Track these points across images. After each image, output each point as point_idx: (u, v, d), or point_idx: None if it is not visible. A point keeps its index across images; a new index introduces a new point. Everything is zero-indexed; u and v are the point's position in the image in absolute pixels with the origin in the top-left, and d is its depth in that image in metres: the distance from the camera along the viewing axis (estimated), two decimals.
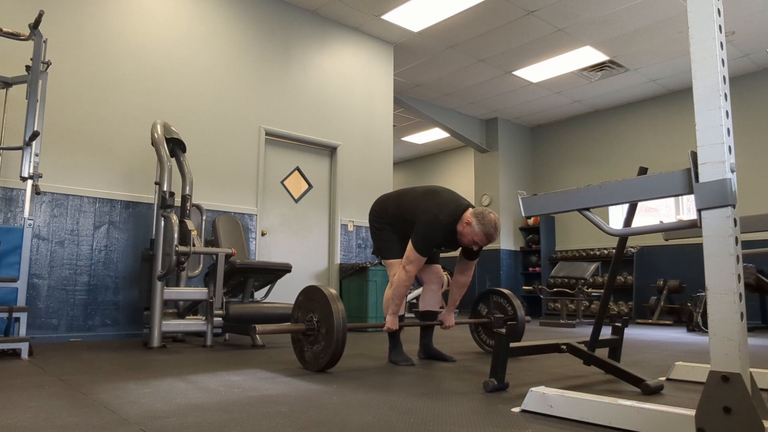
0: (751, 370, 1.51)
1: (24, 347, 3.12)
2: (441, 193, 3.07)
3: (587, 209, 1.70)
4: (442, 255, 3.41)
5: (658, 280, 7.41)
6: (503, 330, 2.24)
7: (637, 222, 7.41)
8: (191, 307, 4.20)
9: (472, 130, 9.25)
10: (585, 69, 7.28)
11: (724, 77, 1.44)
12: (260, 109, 5.44)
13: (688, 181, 1.45)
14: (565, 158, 9.32)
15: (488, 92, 8.19)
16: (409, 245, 2.96)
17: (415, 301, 6.97)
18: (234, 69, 5.31)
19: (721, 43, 1.46)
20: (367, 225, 5.47)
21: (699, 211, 1.41)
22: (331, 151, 6.06)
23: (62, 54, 4.27)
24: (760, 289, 6.02)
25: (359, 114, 6.28)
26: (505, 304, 3.53)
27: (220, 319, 3.83)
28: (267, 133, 5.47)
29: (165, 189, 3.82)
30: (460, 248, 3.18)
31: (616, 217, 8.27)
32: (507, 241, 9.11)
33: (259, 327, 2.69)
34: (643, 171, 2.05)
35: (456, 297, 3.22)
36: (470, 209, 2.95)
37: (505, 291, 3.57)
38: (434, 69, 7.36)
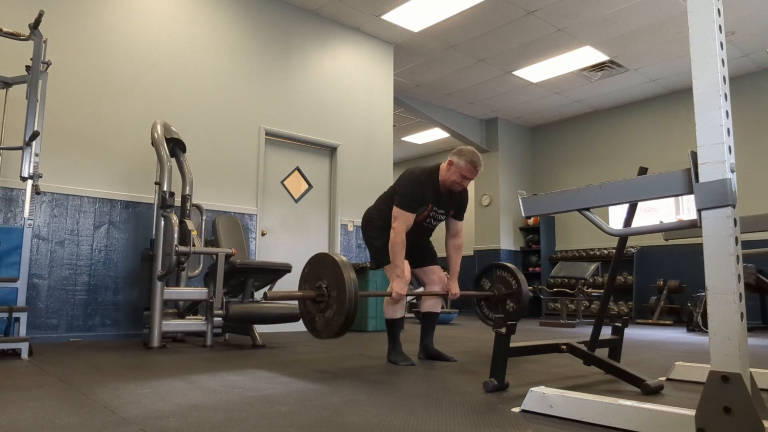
0: (751, 370, 1.51)
1: (24, 347, 3.12)
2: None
3: (587, 209, 1.70)
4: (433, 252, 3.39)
5: (658, 280, 7.41)
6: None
7: (637, 222, 7.40)
8: (191, 307, 4.21)
9: (472, 130, 9.25)
10: (585, 69, 7.28)
11: (724, 77, 1.44)
12: (260, 109, 5.44)
13: (688, 181, 1.45)
14: (565, 158, 9.32)
15: (488, 92, 8.18)
16: (394, 207, 3.03)
17: (415, 301, 6.97)
18: (234, 69, 5.31)
19: (721, 43, 1.46)
20: None
21: (699, 211, 1.41)
22: (331, 151, 6.06)
23: (62, 54, 4.27)
24: (760, 289, 6.02)
25: (359, 114, 6.28)
26: (509, 277, 3.41)
27: (220, 319, 3.83)
28: (267, 133, 5.47)
29: (165, 189, 3.82)
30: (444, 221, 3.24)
31: (616, 217, 8.27)
32: (507, 241, 9.10)
33: (269, 292, 2.63)
34: (643, 171, 2.05)
35: (456, 261, 3.26)
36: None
37: (509, 265, 3.46)
38: (434, 69, 7.36)
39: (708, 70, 1.44)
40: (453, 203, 3.20)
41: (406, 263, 3.08)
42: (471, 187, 9.97)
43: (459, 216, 3.26)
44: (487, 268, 3.58)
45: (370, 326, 5.31)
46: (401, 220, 3.00)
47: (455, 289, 3.22)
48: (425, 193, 3.05)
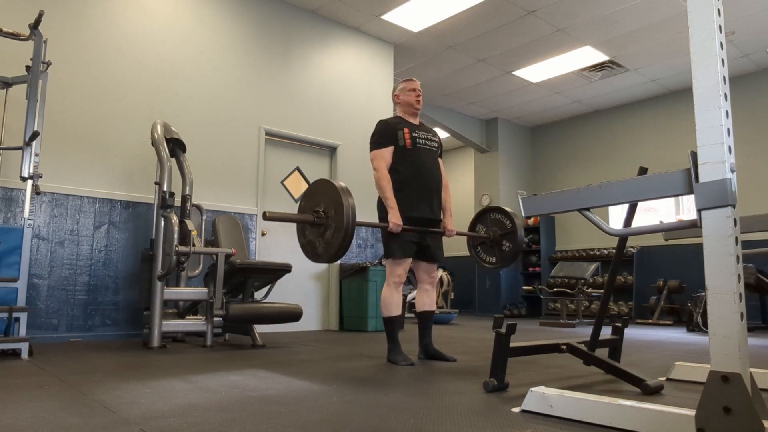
0: (751, 370, 1.51)
1: (24, 347, 3.12)
2: None
3: (587, 209, 1.70)
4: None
5: (658, 280, 7.41)
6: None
7: (637, 222, 7.37)
8: (191, 307, 4.21)
9: (472, 130, 9.25)
10: (585, 69, 7.28)
11: (724, 77, 1.44)
12: (260, 109, 5.44)
13: (688, 181, 1.45)
14: (565, 158, 9.32)
15: (488, 92, 8.18)
16: (370, 154, 3.22)
17: (414, 301, 6.96)
18: (234, 69, 5.31)
19: (721, 43, 1.46)
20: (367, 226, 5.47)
21: (699, 211, 1.41)
22: (331, 151, 6.06)
23: (62, 54, 4.26)
24: (760, 289, 6.02)
25: (359, 114, 6.28)
26: (503, 219, 3.39)
27: (220, 319, 3.83)
28: (267, 133, 5.47)
29: (165, 189, 3.82)
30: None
31: (616, 217, 8.27)
32: None
33: (268, 213, 2.63)
34: (643, 171, 2.05)
35: (447, 199, 3.37)
36: None
37: (502, 207, 3.45)
38: (434, 69, 7.36)
39: (708, 70, 1.44)
40: (431, 133, 3.38)
41: (408, 261, 3.12)
42: (470, 186, 9.97)
43: (439, 153, 3.42)
44: (480, 214, 3.54)
45: (369, 326, 5.31)
46: (378, 159, 3.17)
47: (451, 225, 3.29)
48: (392, 126, 3.24)
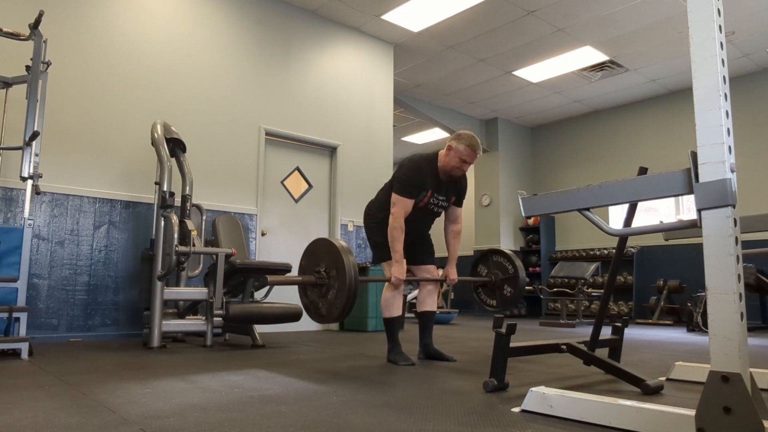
0: (751, 370, 1.51)
1: (24, 347, 3.12)
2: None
3: (587, 209, 1.70)
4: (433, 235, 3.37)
5: (658, 280, 7.41)
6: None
7: (637, 222, 7.34)
8: (191, 307, 4.21)
9: (472, 130, 9.22)
10: (585, 69, 7.28)
11: (724, 77, 1.44)
12: (260, 109, 5.44)
13: (688, 181, 1.45)
14: (565, 158, 9.32)
15: (488, 92, 8.18)
16: (393, 193, 3.05)
17: (414, 301, 6.97)
18: (234, 69, 5.31)
19: (721, 43, 1.45)
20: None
21: (699, 211, 1.41)
22: (331, 151, 6.06)
23: (62, 54, 4.26)
24: (760, 289, 6.02)
25: (359, 114, 6.28)
26: (505, 263, 3.40)
27: (220, 319, 3.83)
28: (267, 133, 5.47)
29: (165, 189, 3.82)
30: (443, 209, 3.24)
31: (616, 217, 8.27)
32: (507, 241, 9.10)
33: (270, 277, 2.66)
34: (643, 171, 2.05)
35: (455, 247, 3.29)
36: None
37: (505, 250, 3.45)
38: (434, 69, 7.36)
39: (708, 70, 1.44)
40: (453, 189, 3.21)
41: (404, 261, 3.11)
42: (470, 186, 9.96)
43: (459, 202, 3.28)
44: (483, 255, 3.55)
45: (370, 326, 5.31)
46: (399, 206, 3.02)
47: (453, 275, 3.23)
48: (424, 179, 3.06)
